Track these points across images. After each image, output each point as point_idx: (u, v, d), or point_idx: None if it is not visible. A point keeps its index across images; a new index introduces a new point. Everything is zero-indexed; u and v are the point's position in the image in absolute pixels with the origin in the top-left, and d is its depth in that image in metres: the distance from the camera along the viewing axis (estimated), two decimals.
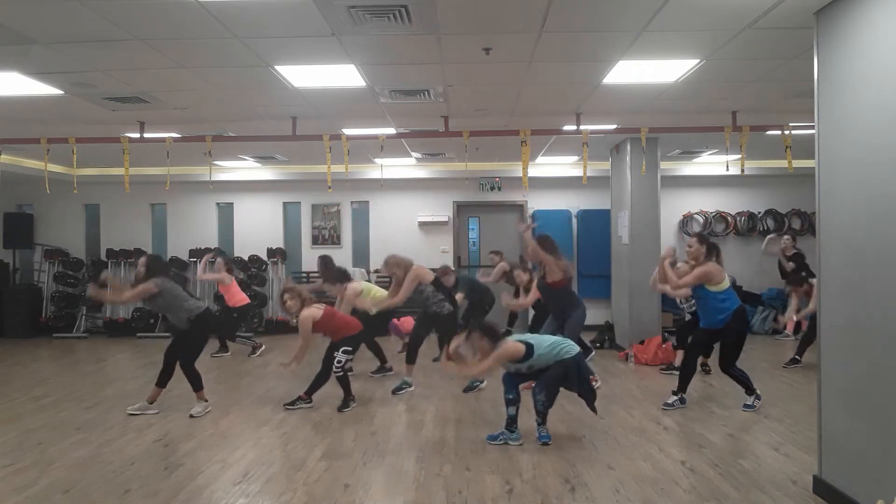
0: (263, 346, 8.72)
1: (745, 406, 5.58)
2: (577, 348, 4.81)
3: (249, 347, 8.65)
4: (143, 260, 5.75)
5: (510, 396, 4.78)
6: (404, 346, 7.79)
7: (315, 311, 5.63)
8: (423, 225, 11.04)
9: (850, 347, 3.47)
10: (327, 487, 3.96)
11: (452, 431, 5.09)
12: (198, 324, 5.62)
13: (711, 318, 5.49)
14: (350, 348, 5.74)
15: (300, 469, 4.28)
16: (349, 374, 6.06)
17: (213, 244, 11.04)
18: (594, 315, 10.24)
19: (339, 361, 5.69)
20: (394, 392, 6.32)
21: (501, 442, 4.72)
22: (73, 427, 5.29)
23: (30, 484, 4.05)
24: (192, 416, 5.53)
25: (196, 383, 5.68)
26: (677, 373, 5.95)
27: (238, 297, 8.51)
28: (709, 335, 5.65)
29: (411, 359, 6.42)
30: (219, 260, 8.73)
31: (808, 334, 7.37)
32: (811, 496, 3.75)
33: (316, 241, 11.19)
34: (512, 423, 4.76)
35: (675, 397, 5.68)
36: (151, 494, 3.87)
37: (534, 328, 7.15)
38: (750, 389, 5.61)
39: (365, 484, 4.02)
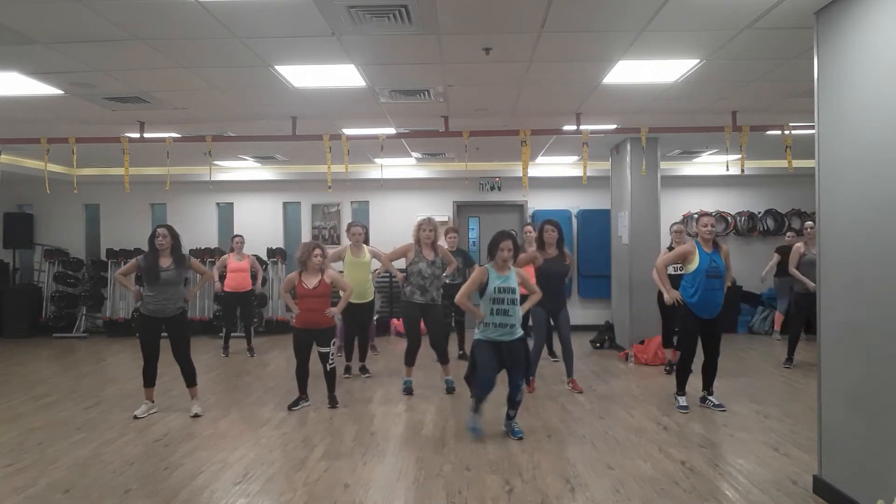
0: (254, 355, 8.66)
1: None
2: (521, 331, 4.93)
3: (247, 347, 8.66)
4: (165, 231, 5.57)
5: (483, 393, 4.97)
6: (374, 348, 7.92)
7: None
8: None
9: (850, 347, 3.47)
10: (327, 487, 3.96)
11: (452, 431, 5.10)
12: (184, 318, 5.68)
13: (714, 308, 5.46)
14: (335, 340, 5.99)
15: (300, 469, 4.28)
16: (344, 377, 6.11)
17: (214, 244, 11.04)
18: (594, 315, 10.31)
19: (331, 354, 5.83)
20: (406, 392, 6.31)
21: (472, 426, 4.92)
22: (73, 427, 5.30)
23: (30, 484, 4.06)
24: (196, 415, 5.54)
25: (191, 378, 5.68)
26: None
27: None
28: (703, 325, 5.53)
29: (410, 360, 6.41)
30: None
31: (793, 333, 7.47)
32: (811, 496, 3.75)
33: (316, 240, 11.17)
34: (478, 405, 4.97)
35: (683, 397, 5.67)
36: (151, 494, 3.87)
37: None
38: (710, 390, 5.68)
39: (365, 484, 4.02)
